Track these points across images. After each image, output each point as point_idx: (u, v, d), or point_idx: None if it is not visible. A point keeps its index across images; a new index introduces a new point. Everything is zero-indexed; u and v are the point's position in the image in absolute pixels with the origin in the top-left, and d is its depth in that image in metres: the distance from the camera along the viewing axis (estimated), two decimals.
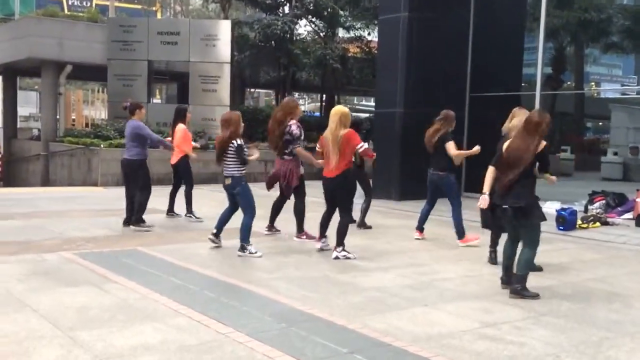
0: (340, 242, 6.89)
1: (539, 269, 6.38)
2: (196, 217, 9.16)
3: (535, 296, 5.45)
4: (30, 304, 4.79)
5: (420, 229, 8.29)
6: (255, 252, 6.87)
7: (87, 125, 20.75)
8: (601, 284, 6.11)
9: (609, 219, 10.05)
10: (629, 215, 10.38)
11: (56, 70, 18.77)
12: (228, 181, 7.00)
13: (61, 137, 18.11)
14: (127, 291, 5.26)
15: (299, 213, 7.92)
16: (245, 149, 6.98)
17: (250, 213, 6.97)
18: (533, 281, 5.96)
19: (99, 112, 22.82)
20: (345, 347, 4.06)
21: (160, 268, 6.13)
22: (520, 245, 5.68)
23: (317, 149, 7.25)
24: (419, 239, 8.22)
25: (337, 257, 6.84)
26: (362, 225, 8.90)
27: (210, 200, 11.30)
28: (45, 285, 5.39)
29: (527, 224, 5.53)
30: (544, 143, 5.48)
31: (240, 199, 7.03)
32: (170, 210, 9.45)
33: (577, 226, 9.46)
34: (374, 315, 4.78)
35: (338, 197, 6.99)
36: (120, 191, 12.97)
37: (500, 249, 6.23)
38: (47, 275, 5.72)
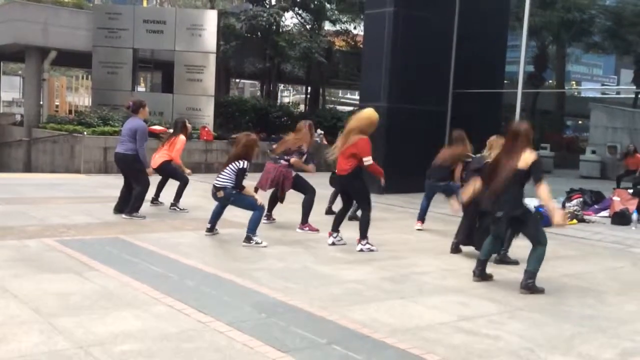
0: (363, 235, 7.04)
1: (514, 262, 6.54)
2: (180, 209, 9.17)
3: (542, 291, 5.58)
4: (11, 289, 4.79)
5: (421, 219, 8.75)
6: (261, 242, 6.96)
7: (70, 112, 20.57)
8: (576, 280, 6.23)
9: (585, 217, 10.22)
10: (606, 213, 10.55)
11: (40, 56, 18.60)
12: (220, 194, 7.05)
13: (44, 123, 17.97)
14: (108, 279, 5.27)
15: (307, 206, 8.11)
16: (246, 175, 7.01)
17: (257, 208, 7.05)
18: (510, 275, 6.09)
19: (82, 99, 22.62)
20: (324, 338, 4.11)
21: (142, 256, 6.14)
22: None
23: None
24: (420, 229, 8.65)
25: (361, 250, 6.99)
26: (330, 212, 9.21)
27: (195, 190, 11.29)
28: (26, 271, 5.38)
29: (526, 229, 5.67)
30: (533, 155, 5.57)
31: (241, 206, 7.14)
32: (156, 199, 9.45)
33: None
34: (353, 307, 4.84)
35: (353, 195, 7.22)
36: (103, 178, 13.03)
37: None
38: (28, 262, 5.71)
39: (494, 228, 5.86)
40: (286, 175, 8.07)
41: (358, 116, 7.04)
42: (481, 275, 5.90)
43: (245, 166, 6.94)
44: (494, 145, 6.85)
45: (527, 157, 5.52)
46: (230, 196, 7.02)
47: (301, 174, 8.46)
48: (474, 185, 6.03)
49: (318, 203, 8.35)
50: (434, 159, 8.52)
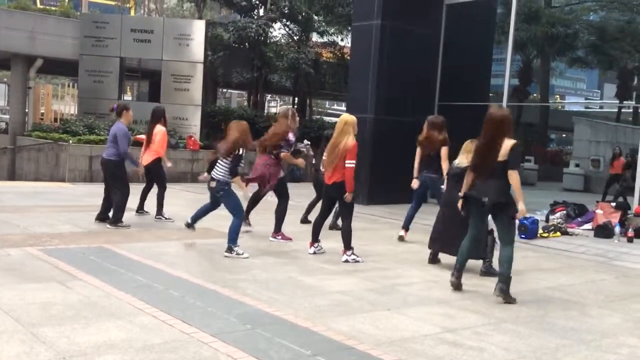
0: (348, 245, 7.05)
1: (497, 274, 6.58)
2: (166, 218, 9.13)
3: (514, 301, 5.64)
4: None
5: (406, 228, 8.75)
6: (242, 254, 6.91)
7: (56, 120, 20.47)
8: (559, 292, 6.28)
9: (569, 229, 10.29)
10: (589, 225, 10.63)
11: (26, 63, 18.51)
12: (213, 184, 7.04)
13: (29, 131, 17.85)
14: (92, 289, 5.23)
15: (280, 214, 8.10)
16: (241, 163, 7.03)
17: (238, 215, 7.07)
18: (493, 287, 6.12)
19: (68, 107, 22.50)
20: (309, 349, 4.11)
21: (126, 266, 6.11)
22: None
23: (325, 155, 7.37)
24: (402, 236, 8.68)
25: (346, 260, 7.00)
26: (306, 221, 9.30)
27: (180, 199, 11.27)
28: (9, 280, 5.33)
29: (504, 218, 5.70)
30: (511, 142, 5.61)
31: (225, 203, 7.11)
32: (140, 208, 9.40)
33: (538, 235, 9.67)
34: (338, 318, 4.85)
35: (339, 204, 7.21)
36: (88, 187, 12.95)
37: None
38: (10, 271, 5.65)
39: (475, 220, 5.91)
40: (274, 173, 8.02)
41: (338, 124, 7.08)
42: (458, 281, 5.96)
43: (241, 152, 6.97)
44: (471, 150, 6.90)
45: (506, 146, 5.59)
46: (221, 190, 7.00)
47: (286, 183, 8.45)
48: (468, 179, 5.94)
49: (296, 213, 8.35)
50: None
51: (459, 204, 5.93)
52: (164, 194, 9.25)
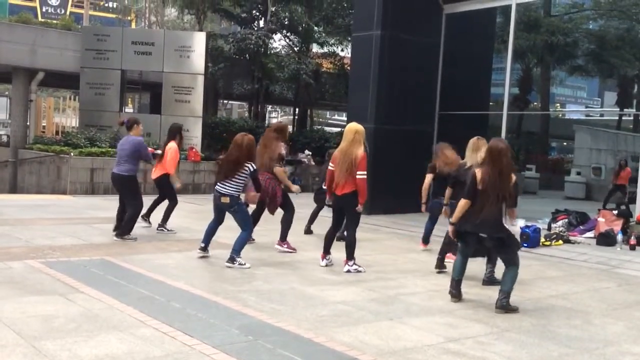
0: (350, 256, 7.02)
1: (499, 282, 6.56)
2: (168, 230, 9.11)
3: (516, 310, 5.66)
4: None
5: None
6: (245, 264, 6.92)
7: (57, 132, 20.53)
8: (562, 301, 6.26)
9: (571, 237, 10.28)
10: (591, 234, 10.63)
11: (28, 77, 18.59)
12: (225, 200, 6.98)
13: (31, 144, 17.90)
14: (93, 301, 5.23)
15: (286, 224, 8.09)
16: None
17: (248, 228, 7.13)
18: (495, 296, 6.11)
19: (69, 120, 22.58)
20: None
21: (128, 278, 6.10)
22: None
23: (329, 167, 7.29)
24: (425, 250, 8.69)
25: (348, 271, 6.97)
26: (309, 232, 9.43)
27: (182, 210, 11.24)
28: (10, 293, 5.33)
29: (505, 252, 5.74)
30: (514, 177, 5.65)
31: (237, 217, 7.12)
32: (147, 217, 9.32)
33: (541, 243, 9.67)
34: (341, 329, 4.84)
35: (348, 214, 7.10)
36: (90, 199, 12.96)
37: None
38: (12, 284, 5.65)
39: (462, 248, 5.91)
40: (275, 187, 7.99)
41: (347, 134, 7.00)
42: (459, 295, 5.95)
43: (255, 168, 7.01)
44: (479, 147, 6.84)
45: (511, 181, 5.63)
46: (235, 204, 7.00)
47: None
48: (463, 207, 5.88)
49: (299, 223, 8.35)
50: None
51: (451, 232, 5.89)
52: (173, 208, 9.23)
